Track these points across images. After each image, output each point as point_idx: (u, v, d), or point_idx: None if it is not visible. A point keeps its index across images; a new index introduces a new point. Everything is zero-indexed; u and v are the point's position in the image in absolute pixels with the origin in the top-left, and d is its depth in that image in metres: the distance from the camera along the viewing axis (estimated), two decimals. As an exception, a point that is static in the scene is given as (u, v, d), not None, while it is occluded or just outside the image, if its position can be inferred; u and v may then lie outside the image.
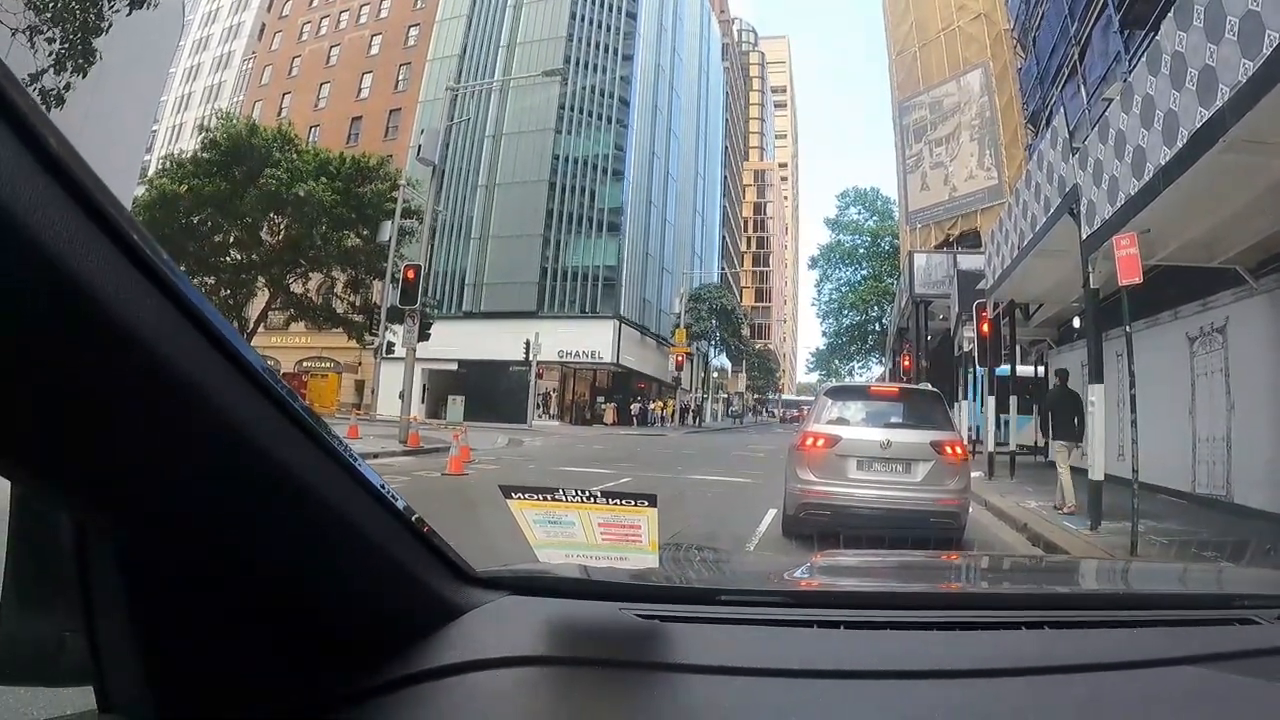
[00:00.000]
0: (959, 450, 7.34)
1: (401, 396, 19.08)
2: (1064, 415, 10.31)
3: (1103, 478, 8.54)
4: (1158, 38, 7.19)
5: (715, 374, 64.74)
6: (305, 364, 45.62)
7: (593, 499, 1.08)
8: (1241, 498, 9.70)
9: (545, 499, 1.08)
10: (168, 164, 26.60)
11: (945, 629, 1.21)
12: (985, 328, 15.53)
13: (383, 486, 0.88)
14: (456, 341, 35.31)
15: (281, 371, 41.97)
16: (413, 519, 0.96)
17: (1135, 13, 15.12)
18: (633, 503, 1.08)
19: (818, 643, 1.16)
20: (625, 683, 0.98)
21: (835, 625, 1.19)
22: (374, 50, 53.38)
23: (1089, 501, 8.62)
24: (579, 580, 1.19)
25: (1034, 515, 9.46)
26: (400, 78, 51.24)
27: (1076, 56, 19.43)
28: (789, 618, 1.24)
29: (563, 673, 0.99)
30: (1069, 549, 7.40)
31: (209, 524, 0.72)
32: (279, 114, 36.48)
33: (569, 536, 1.08)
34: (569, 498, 1.08)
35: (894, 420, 7.57)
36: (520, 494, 1.08)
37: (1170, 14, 6.78)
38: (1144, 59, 7.63)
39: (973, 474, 8.65)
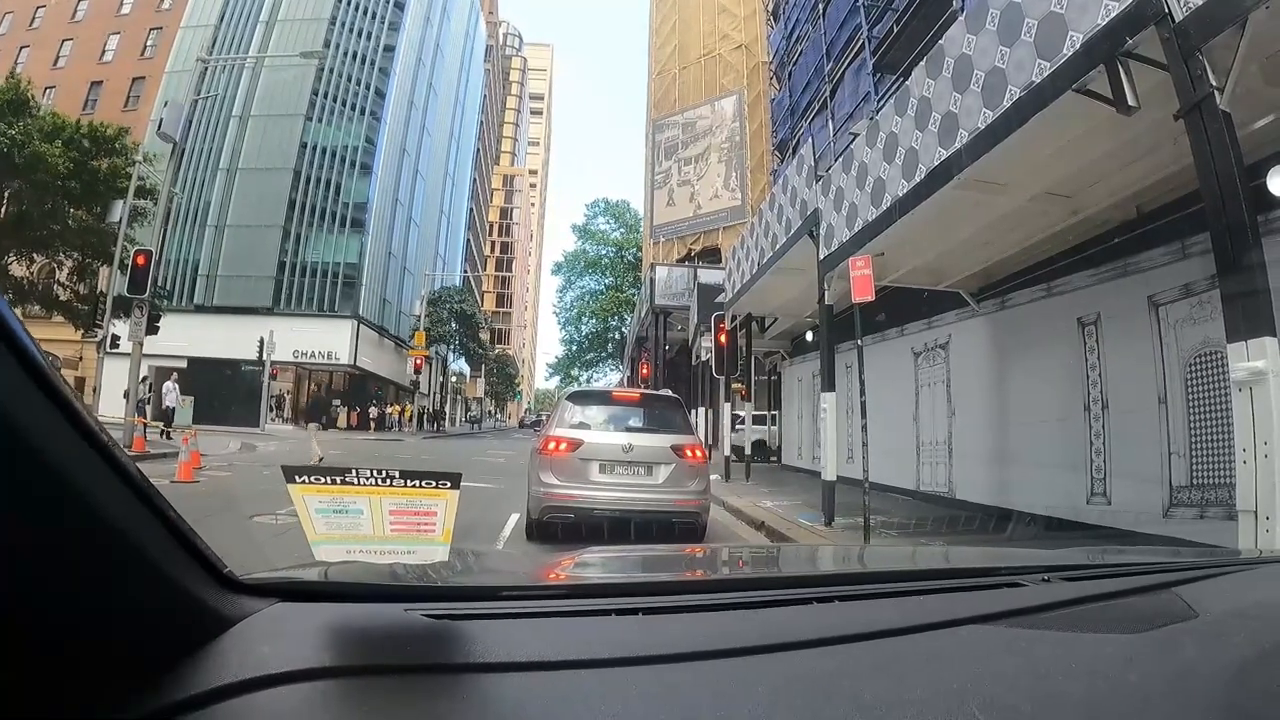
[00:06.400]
0: (699, 453, 7.54)
1: (126, 396, 16.93)
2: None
3: (835, 478, 9.30)
4: (907, 83, 7.97)
5: (454, 378, 63.55)
6: (19, 358, 39.19)
7: (389, 480, 1.01)
8: (962, 494, 11.04)
9: (334, 482, 1.00)
10: None
11: (746, 608, 1.23)
12: (723, 338, 16.41)
13: (137, 472, 0.76)
14: (186, 336, 31.82)
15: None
16: (168, 510, 0.83)
17: (889, 58, 16.89)
18: (433, 483, 1.02)
19: (621, 631, 1.13)
20: (427, 688, 0.89)
21: (634, 612, 1.18)
22: (125, 9, 46.00)
23: (822, 500, 9.33)
24: (357, 583, 1.11)
25: (770, 514, 10.05)
26: (149, 43, 44.60)
27: (828, 93, 21.44)
28: (588, 608, 1.22)
29: (354, 683, 0.88)
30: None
31: None
32: (14, 68, 30.83)
33: (353, 529, 1.00)
34: (362, 480, 1.00)
35: (635, 424, 7.67)
36: (305, 477, 0.98)
37: (922, 63, 7.56)
38: (892, 100, 8.43)
39: (711, 477, 9.09)
